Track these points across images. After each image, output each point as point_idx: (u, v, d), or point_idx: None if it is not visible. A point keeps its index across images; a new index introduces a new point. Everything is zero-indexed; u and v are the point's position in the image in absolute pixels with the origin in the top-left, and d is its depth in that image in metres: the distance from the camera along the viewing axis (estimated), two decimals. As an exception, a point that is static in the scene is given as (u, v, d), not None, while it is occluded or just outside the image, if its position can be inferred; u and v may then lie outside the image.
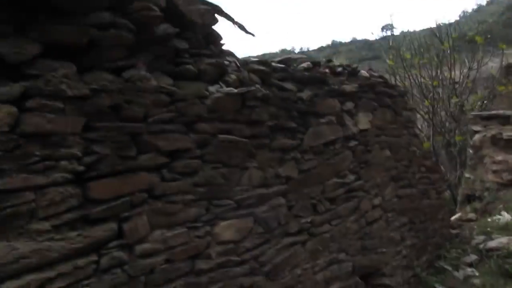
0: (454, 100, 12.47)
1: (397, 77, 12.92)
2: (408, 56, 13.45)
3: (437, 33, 13.92)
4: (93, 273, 2.08)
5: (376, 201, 4.42)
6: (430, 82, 12.39)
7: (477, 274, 5.08)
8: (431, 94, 12.04)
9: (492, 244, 5.53)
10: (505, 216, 6.36)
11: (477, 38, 13.20)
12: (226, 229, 2.76)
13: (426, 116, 12.22)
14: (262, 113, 3.12)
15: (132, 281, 2.24)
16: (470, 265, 5.31)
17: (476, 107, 13.35)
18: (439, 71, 12.78)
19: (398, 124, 5.08)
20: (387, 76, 12.50)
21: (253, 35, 3.37)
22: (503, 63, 16.02)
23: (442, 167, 12.26)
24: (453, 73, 13.26)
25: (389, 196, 4.66)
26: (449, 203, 8.55)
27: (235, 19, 3.09)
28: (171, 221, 2.46)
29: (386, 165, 4.70)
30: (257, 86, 3.13)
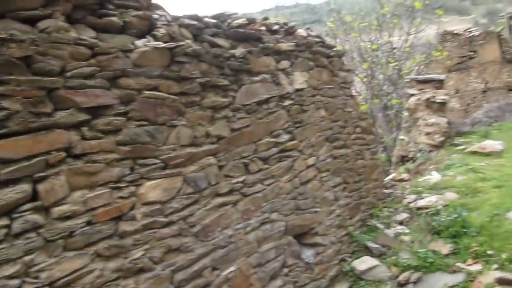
0: (392, 64, 12.69)
1: (337, 40, 12.99)
2: (348, 19, 13.54)
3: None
4: (4, 238, 1.95)
5: (311, 161, 4.43)
6: (369, 46, 12.53)
7: (407, 231, 5.25)
8: (370, 58, 12.21)
9: (421, 202, 5.72)
10: (434, 176, 6.58)
11: (416, 4, 13.40)
12: (152, 189, 2.66)
13: (365, 79, 12.41)
14: (193, 70, 2.99)
15: (49, 245, 2.13)
16: (401, 223, 5.48)
17: (413, 71, 13.67)
18: (378, 35, 12.94)
19: (334, 85, 5.07)
20: (327, 39, 12.58)
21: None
22: (439, 30, 16.41)
23: (379, 129, 12.59)
24: (392, 38, 13.47)
25: (324, 156, 4.68)
26: (384, 164, 8.78)
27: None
28: (92, 182, 2.34)
29: (322, 125, 4.70)
30: (188, 41, 3.00)
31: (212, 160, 3.15)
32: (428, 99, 9.07)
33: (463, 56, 28.49)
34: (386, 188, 6.48)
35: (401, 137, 9.21)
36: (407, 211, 5.69)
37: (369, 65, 11.89)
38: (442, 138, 8.23)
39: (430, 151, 8.24)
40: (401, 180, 6.86)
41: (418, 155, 8.31)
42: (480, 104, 25.73)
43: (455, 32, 29.48)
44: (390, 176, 8.62)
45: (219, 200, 3.20)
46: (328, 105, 4.86)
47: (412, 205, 5.76)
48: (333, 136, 4.91)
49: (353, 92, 5.64)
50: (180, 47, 2.88)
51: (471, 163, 7.09)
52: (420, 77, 10.08)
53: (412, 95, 9.44)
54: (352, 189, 5.24)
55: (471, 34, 28.90)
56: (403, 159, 8.88)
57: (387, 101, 12.08)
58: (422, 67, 14.11)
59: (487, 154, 7.70)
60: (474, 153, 7.80)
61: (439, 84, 9.70)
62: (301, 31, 4.73)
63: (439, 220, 4.98)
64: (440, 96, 9.10)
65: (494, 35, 28.26)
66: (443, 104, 9.03)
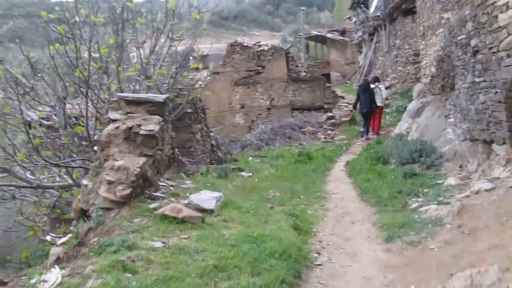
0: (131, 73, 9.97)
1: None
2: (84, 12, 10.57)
3: None
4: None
5: None
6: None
7: None
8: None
9: None
10: (52, 276, 3.77)
11: (194, 15, 10.92)
12: None
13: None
14: None
15: None
16: None
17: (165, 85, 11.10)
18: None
19: None
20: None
21: None
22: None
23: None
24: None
25: None
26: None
27: None
28: None
29: None
30: None
31: None
32: (130, 128, 6.40)
33: (250, 70, 27.46)
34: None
35: (84, 181, 6.36)
36: None
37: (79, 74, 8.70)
38: (127, 191, 5.52)
39: (108, 209, 5.53)
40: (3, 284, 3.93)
41: (93, 215, 5.56)
42: (264, 122, 24.66)
43: (245, 44, 28.34)
44: (65, 239, 5.82)
45: None
46: None
47: None
48: None
49: None
50: None
51: (139, 243, 4.48)
52: (132, 95, 7.36)
53: (114, 120, 6.69)
54: None
55: (261, 48, 28.02)
56: (85, 216, 6.08)
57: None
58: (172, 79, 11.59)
59: (182, 221, 5.22)
60: (165, 217, 5.26)
61: (156, 108, 7.12)
62: None
63: None
64: (148, 126, 6.51)
65: (282, 52, 27.67)
66: (150, 137, 6.44)
